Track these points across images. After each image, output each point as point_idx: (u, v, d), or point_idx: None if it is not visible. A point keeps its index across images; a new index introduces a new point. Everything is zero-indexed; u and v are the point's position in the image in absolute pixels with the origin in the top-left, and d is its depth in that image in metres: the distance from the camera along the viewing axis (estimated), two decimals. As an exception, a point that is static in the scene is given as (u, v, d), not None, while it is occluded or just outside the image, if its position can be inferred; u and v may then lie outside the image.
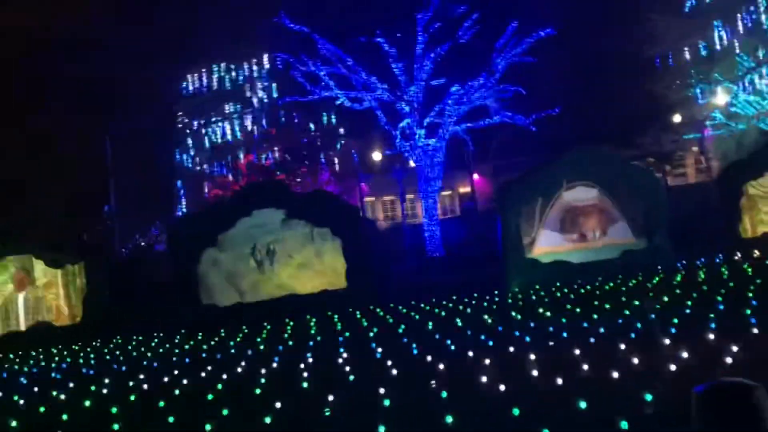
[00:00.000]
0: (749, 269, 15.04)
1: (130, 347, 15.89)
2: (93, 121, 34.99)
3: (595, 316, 12.08)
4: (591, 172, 18.36)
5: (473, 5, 28.54)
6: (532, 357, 9.25)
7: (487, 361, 9.35)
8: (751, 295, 11.95)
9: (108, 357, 14.66)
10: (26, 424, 8.83)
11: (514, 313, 13.59)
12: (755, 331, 9.18)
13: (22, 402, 10.39)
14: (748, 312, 10.32)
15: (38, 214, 31.45)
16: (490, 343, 10.77)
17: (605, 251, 18.34)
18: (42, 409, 9.61)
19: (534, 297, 15.66)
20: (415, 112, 28.64)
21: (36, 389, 11.37)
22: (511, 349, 10.11)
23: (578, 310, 13.07)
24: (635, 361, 8.40)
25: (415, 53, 28.62)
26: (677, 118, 33.30)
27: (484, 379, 8.43)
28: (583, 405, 6.86)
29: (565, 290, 16.01)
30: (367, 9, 32.57)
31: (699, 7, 32.34)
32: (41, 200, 33.17)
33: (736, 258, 16.90)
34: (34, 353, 16.94)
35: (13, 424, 8.74)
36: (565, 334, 10.75)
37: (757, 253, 16.92)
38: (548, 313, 13.09)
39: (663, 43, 31.71)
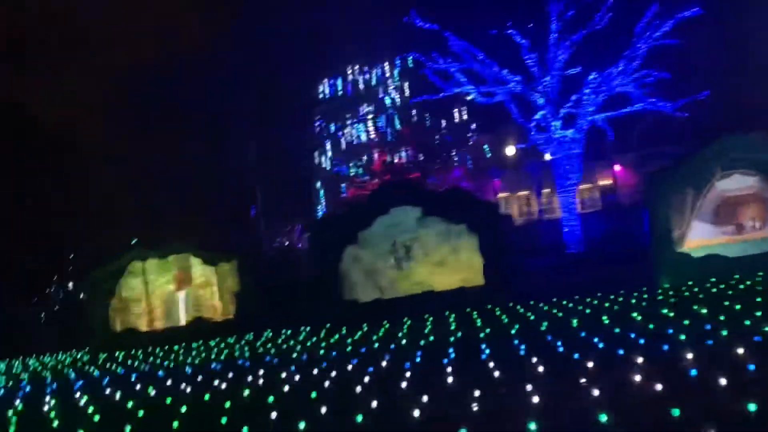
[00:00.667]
0: None
1: (279, 341, 16.73)
2: (238, 127, 37.15)
3: (759, 314, 11.21)
4: (747, 159, 17.03)
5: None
6: (689, 356, 8.76)
7: (640, 360, 8.97)
8: None
9: (260, 350, 15.51)
10: (194, 410, 9.55)
11: (665, 311, 12.91)
12: None
13: (188, 390, 11.26)
14: None
15: (194, 219, 33.99)
16: (641, 341, 10.31)
17: (765, 244, 16.98)
18: (207, 397, 10.36)
19: (687, 293, 14.78)
20: (550, 104, 27.91)
21: (199, 378, 12.27)
22: (665, 347, 9.62)
23: (738, 306, 12.20)
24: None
25: (548, 43, 27.90)
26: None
27: (637, 378, 8.09)
28: (751, 407, 6.40)
29: (722, 286, 15.00)
30: (498, 1, 32.18)
31: None
32: (196, 207, 35.82)
33: None
34: (195, 345, 18.33)
35: (183, 409, 9.49)
36: (724, 332, 10.07)
37: None
38: (704, 311, 12.32)
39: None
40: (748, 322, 10.64)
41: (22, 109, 35.05)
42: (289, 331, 18.16)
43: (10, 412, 10.91)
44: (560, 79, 28.03)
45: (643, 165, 33.96)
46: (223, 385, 11.24)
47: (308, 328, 18.18)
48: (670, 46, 26.91)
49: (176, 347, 18.72)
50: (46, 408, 11.08)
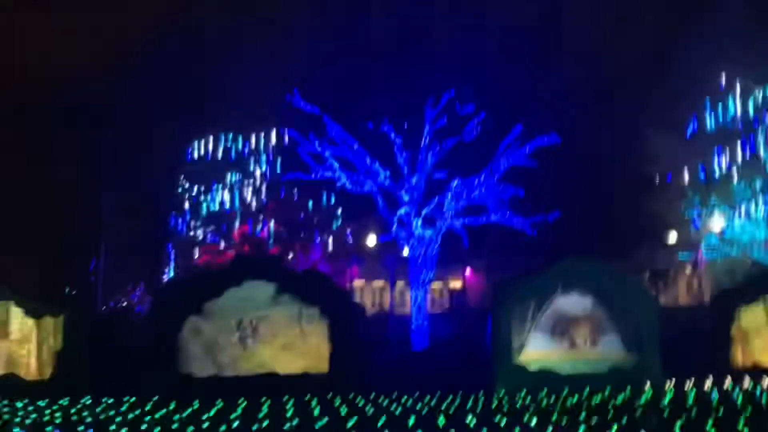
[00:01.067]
0: (739, 398, 14.77)
1: (98, 409, 15.28)
2: (92, 172, 35.06)
3: (582, 429, 11.74)
4: (586, 282, 18.36)
5: (481, 105, 29.32)
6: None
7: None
8: (741, 426, 11.67)
9: (75, 417, 14.05)
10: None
11: (498, 417, 13.21)
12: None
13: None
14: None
15: (24, 263, 30.99)
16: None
17: (594, 363, 18.10)
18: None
19: (519, 403, 15.28)
20: (414, 202, 28.86)
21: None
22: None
23: (563, 421, 12.72)
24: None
25: (420, 145, 29.14)
26: (673, 238, 33.59)
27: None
28: None
29: (552, 399, 15.67)
30: (378, 96, 33.43)
31: (701, 132, 33.27)
32: (29, 249, 32.78)
33: (726, 385, 16.65)
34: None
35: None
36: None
37: (747, 382, 16.69)
38: (533, 421, 12.73)
39: (663, 163, 32.38)
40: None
41: None
42: (111, 400, 16.65)
43: None
44: (427, 180, 29.18)
45: (492, 272, 35.61)
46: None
47: (133, 399, 16.78)
48: (529, 167, 28.98)
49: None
50: None
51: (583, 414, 13.31)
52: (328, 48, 37.20)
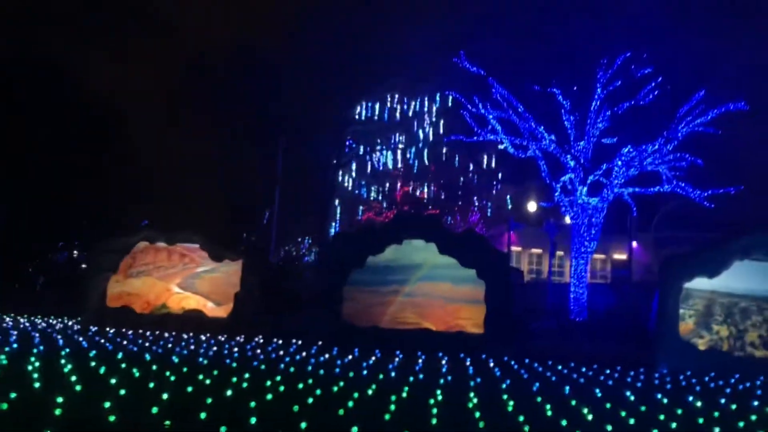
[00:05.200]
0: None
1: (269, 349, 16.65)
2: (268, 130, 37.40)
3: (753, 417, 11.02)
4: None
5: (659, 68, 27.51)
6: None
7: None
8: None
9: (250, 354, 15.43)
10: (175, 399, 9.49)
11: (659, 396, 12.72)
12: None
13: (172, 379, 11.20)
14: None
15: (209, 214, 34.15)
16: (631, 421, 10.15)
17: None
18: (190, 389, 10.30)
19: (684, 383, 14.57)
20: (580, 168, 27.90)
21: (185, 370, 12.22)
22: (655, 431, 9.46)
23: (733, 406, 11.99)
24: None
25: (589, 108, 28.00)
26: None
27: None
28: None
29: (721, 383, 14.78)
30: (546, 58, 32.43)
31: None
32: (213, 202, 36.04)
33: None
34: (185, 336, 18.30)
35: (164, 396, 9.43)
36: (716, 430, 9.89)
37: None
38: (698, 403, 12.12)
39: None
40: (741, 424, 10.45)
41: (75, 78, 35.67)
42: (280, 341, 18.08)
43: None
44: (594, 145, 28.06)
45: (660, 246, 33.78)
46: (207, 381, 11.18)
47: (299, 342, 18.09)
48: (710, 134, 26.91)
49: (166, 335, 18.71)
50: (29, 368, 11.07)
51: (755, 402, 12.45)
52: (495, 8, 36.57)
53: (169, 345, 16.16)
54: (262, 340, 18.30)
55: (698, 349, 16.77)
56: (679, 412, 11.15)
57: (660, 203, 33.81)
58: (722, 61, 32.16)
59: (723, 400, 12.50)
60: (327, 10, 35.89)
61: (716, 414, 11.14)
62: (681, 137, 26.96)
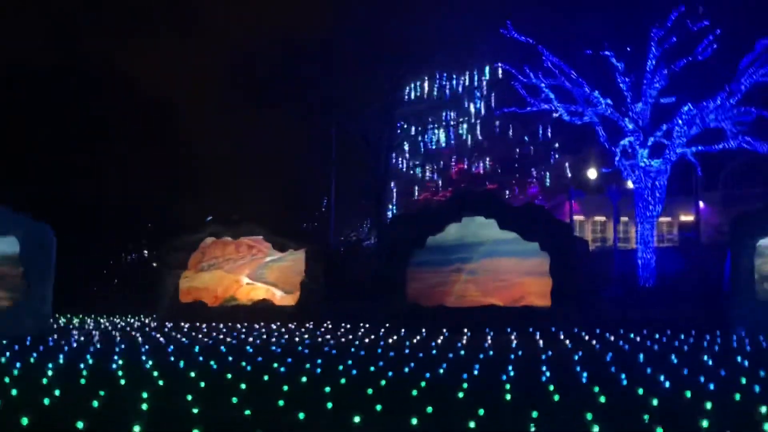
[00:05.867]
0: None
1: (338, 333, 16.93)
2: (318, 121, 37.71)
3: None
4: None
5: (715, 20, 26.40)
6: (763, 409, 8.38)
7: (708, 405, 8.64)
8: None
9: (320, 340, 15.74)
10: (252, 388, 9.78)
11: (739, 359, 12.38)
12: None
13: (248, 368, 11.54)
14: None
15: (264, 205, 34.82)
16: (711, 386, 9.92)
17: None
18: (266, 378, 10.59)
19: (765, 344, 14.13)
20: (639, 130, 27.14)
21: (259, 359, 12.57)
22: (737, 396, 9.23)
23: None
24: None
25: (645, 68, 27.14)
26: None
27: (704, 423, 7.80)
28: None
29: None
30: (597, 21, 31.51)
31: None
32: (267, 192, 36.69)
33: None
34: (256, 326, 18.79)
35: (242, 386, 9.73)
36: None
37: None
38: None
39: None
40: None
41: (127, 77, 36.70)
42: (348, 326, 18.36)
43: (81, 365, 11.46)
44: (653, 106, 27.23)
45: (729, 205, 32.62)
46: (282, 369, 11.46)
47: (367, 325, 18.33)
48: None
49: (238, 326, 19.24)
50: (114, 366, 11.59)
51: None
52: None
53: (242, 336, 16.62)
54: (330, 326, 18.62)
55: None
56: (762, 374, 10.84)
57: (726, 160, 32.60)
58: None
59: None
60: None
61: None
62: (744, 90, 25.87)
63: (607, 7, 32.23)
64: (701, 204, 34.95)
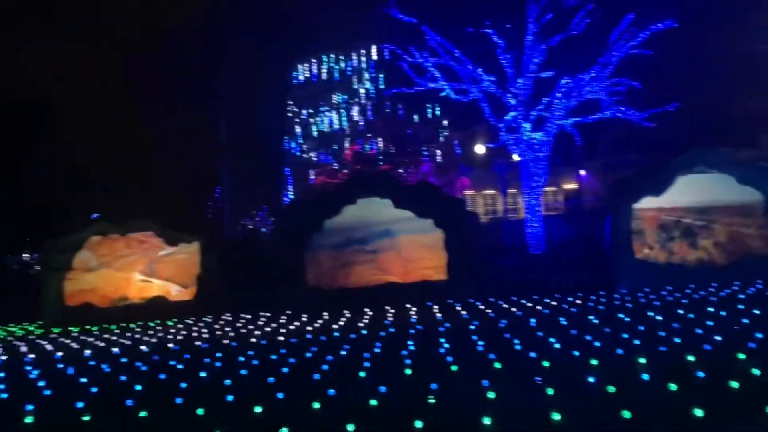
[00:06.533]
0: None
1: (239, 324, 16.63)
2: (208, 107, 36.67)
3: (710, 323, 11.56)
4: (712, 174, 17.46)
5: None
6: (642, 360, 8.99)
7: (595, 362, 9.17)
8: None
9: (219, 333, 15.40)
10: (149, 389, 9.46)
11: (621, 315, 13.20)
12: None
13: (144, 368, 11.14)
14: None
15: (156, 197, 33.55)
16: (597, 344, 10.53)
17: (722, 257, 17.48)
18: (163, 377, 10.26)
19: (644, 300, 15.12)
20: (521, 105, 28.14)
21: (156, 358, 12.15)
22: (620, 351, 9.85)
23: (691, 315, 12.54)
24: (754, 372, 7.99)
25: (524, 45, 28.10)
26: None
27: (591, 379, 8.27)
28: (698, 413, 6.61)
29: (678, 295, 15.39)
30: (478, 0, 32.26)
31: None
32: (159, 184, 35.36)
33: None
34: (152, 324, 18.14)
35: (138, 387, 9.38)
36: (677, 340, 10.36)
37: None
38: (659, 317, 12.64)
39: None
40: (699, 331, 10.95)
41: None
42: (249, 316, 18.06)
43: (-42, 382, 10.66)
44: (533, 81, 28.27)
45: (608, 172, 34.56)
46: (180, 366, 11.15)
47: (268, 314, 18.11)
48: (644, 56, 27.34)
49: (132, 325, 18.52)
50: (-5, 380, 10.86)
51: (711, 308, 13.04)
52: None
53: (136, 336, 16.00)
54: (230, 318, 18.25)
55: (653, 265, 17.37)
56: (641, 328, 11.62)
57: (603, 130, 34.43)
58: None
59: (681, 311, 13.05)
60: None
61: (675, 325, 11.64)
62: (616, 62, 27.33)
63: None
64: (582, 172, 36.86)
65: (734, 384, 7.54)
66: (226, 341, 13.87)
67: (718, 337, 10.28)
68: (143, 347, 13.79)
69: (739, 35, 30.55)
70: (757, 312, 12.19)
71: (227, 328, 16.10)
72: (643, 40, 27.08)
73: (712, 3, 32.73)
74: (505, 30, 28.13)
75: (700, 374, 8.12)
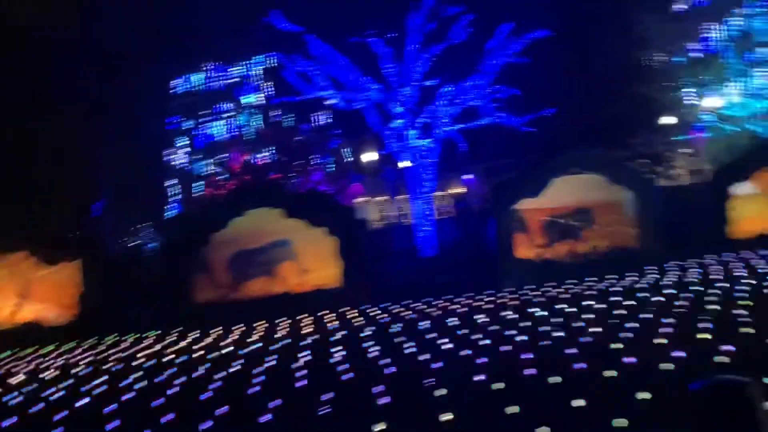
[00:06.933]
0: (740, 269, 15.21)
1: (124, 346, 15.89)
2: (85, 120, 34.85)
3: (589, 316, 12.21)
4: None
5: (468, 5, 28.66)
6: (527, 356, 9.36)
7: (482, 360, 9.46)
8: (742, 293, 12.13)
9: (102, 356, 14.64)
10: (23, 421, 8.85)
11: (508, 313, 13.69)
12: (749, 330, 9.31)
13: (16, 401, 10.40)
14: (741, 311, 10.47)
15: (31, 213, 31.39)
16: (485, 342, 10.87)
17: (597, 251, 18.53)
18: (36, 408, 9.62)
19: (527, 297, 15.78)
20: (407, 113, 28.70)
21: (32, 386, 11.38)
22: (506, 348, 10.21)
23: (571, 309, 13.20)
24: (632, 360, 8.51)
25: (408, 54, 28.70)
26: (669, 120, 33.55)
27: (479, 378, 8.53)
28: (579, 403, 6.96)
29: (558, 290, 16.16)
30: (361, 9, 32.67)
31: (688, 10, 32.61)
32: (34, 198, 33.11)
33: (726, 258, 17.09)
34: (29, 351, 16.95)
35: (11, 421, 8.75)
36: (559, 334, 10.87)
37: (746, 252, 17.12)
38: (542, 313, 13.21)
39: (654, 46, 31.96)
40: (579, 324, 11.55)
41: None
42: (135, 336, 17.28)
43: None
44: (418, 89, 28.90)
45: (491, 175, 35.91)
46: (59, 394, 10.49)
47: (155, 333, 17.40)
48: (522, 63, 28.62)
49: (3, 356, 17.21)
50: None
51: (586, 302, 13.77)
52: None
53: (7, 365, 14.92)
54: (116, 338, 17.38)
55: (536, 262, 18.16)
56: (526, 324, 12.11)
57: (486, 135, 35.72)
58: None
59: (561, 305, 13.71)
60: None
61: (557, 319, 12.21)
62: (495, 70, 28.45)
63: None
64: (469, 176, 38.05)
65: (611, 373, 8.00)
66: (109, 364, 13.20)
67: (596, 329, 10.88)
68: (14, 378, 12.87)
69: (611, 43, 32.64)
70: (631, 303, 13.00)
71: (111, 350, 15.33)
72: (521, 49, 28.38)
73: (587, 13, 34.83)
74: (389, 39, 28.63)
75: (580, 366, 8.56)
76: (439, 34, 28.53)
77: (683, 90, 31.71)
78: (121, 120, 34.26)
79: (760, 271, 14.66)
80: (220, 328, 16.67)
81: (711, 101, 30.18)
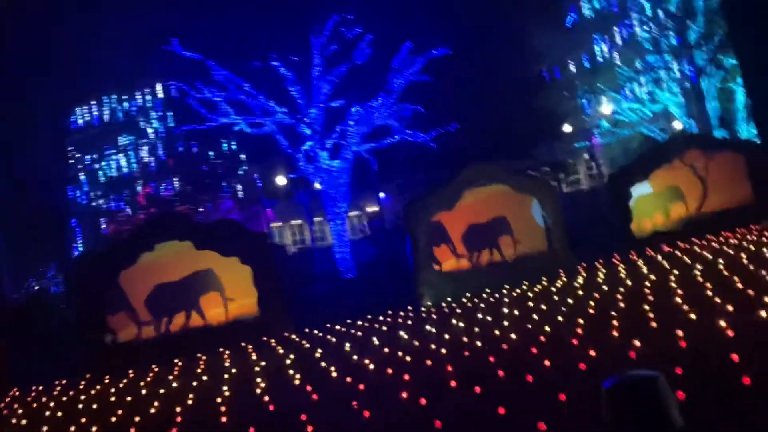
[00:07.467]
0: (644, 267, 15.93)
1: (29, 399, 14.91)
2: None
3: (506, 324, 12.45)
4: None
5: (367, 27, 29.09)
6: (449, 369, 9.42)
7: (406, 377, 9.44)
8: (647, 291, 12.68)
9: (5, 412, 13.69)
10: None
11: (428, 327, 13.78)
12: (653, 325, 9.72)
13: None
14: (646, 307, 10.93)
15: None
16: (408, 358, 10.88)
17: (511, 260, 19.02)
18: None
19: (446, 310, 15.95)
20: (317, 135, 28.70)
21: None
22: (429, 362, 10.25)
23: (489, 318, 13.42)
24: (548, 363, 8.71)
25: (312, 76, 28.76)
26: (568, 129, 35.06)
27: (404, 395, 8.50)
28: (502, 411, 7.05)
29: (476, 300, 16.43)
30: (262, 33, 32.53)
31: (579, 22, 34.36)
32: None
33: (631, 257, 17.87)
34: None
35: None
36: (478, 344, 11.01)
37: (648, 250, 17.97)
38: (461, 324, 13.36)
39: (549, 59, 33.46)
40: (497, 332, 11.76)
41: None
42: (40, 387, 16.24)
43: None
44: (325, 111, 28.98)
45: (403, 191, 36.36)
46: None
47: (65, 381, 16.43)
48: (427, 82, 29.23)
49: None
50: None
51: (504, 309, 14.06)
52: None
53: None
54: (17, 393, 16.28)
55: (453, 274, 18.43)
56: (447, 336, 12.21)
57: (396, 152, 36.22)
58: (425, 12, 34.99)
59: (480, 315, 13.93)
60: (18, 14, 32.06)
61: (476, 329, 12.39)
62: (399, 89, 28.94)
63: (270, 18, 33.45)
64: (382, 195, 38.34)
65: (529, 377, 8.15)
66: (14, 420, 12.35)
67: (512, 335, 11.09)
68: None
69: (508, 58, 33.90)
70: (543, 307, 13.36)
71: (15, 405, 14.35)
72: (423, 67, 29.00)
73: (484, 30, 36.06)
74: (293, 62, 28.61)
75: (500, 373, 8.69)
76: (343, 56, 28.80)
77: (580, 99, 33.29)
78: (12, 158, 32.55)
79: (661, 267, 15.42)
80: (132, 370, 15.91)
81: (606, 108, 31.77)
